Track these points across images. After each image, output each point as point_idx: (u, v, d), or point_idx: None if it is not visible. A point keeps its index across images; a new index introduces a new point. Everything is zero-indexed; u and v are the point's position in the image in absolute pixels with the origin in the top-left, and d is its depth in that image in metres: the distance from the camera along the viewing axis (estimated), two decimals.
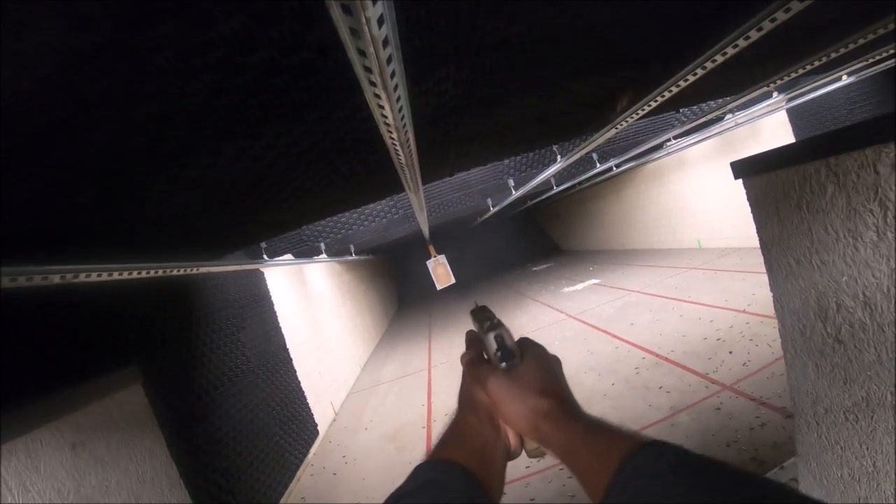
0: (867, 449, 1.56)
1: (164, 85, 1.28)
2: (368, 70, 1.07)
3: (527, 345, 0.74)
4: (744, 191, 1.95)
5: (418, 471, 0.60)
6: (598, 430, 0.59)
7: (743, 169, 1.82)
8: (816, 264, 1.58)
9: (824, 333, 1.62)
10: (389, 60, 1.05)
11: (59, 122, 1.28)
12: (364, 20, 0.85)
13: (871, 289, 1.40)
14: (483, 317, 0.78)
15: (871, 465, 1.55)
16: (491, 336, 0.72)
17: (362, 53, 0.98)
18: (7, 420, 1.89)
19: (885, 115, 1.25)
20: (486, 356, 0.75)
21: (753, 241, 1.90)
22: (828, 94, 5.90)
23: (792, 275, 1.72)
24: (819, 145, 1.45)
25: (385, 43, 0.97)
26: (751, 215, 1.95)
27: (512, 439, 0.70)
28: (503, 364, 0.70)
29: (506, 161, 6.76)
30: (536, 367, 0.70)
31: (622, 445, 0.52)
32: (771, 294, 1.96)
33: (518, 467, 0.76)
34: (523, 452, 0.71)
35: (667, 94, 2.56)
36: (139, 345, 3.50)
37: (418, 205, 4.17)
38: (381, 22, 0.88)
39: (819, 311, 1.62)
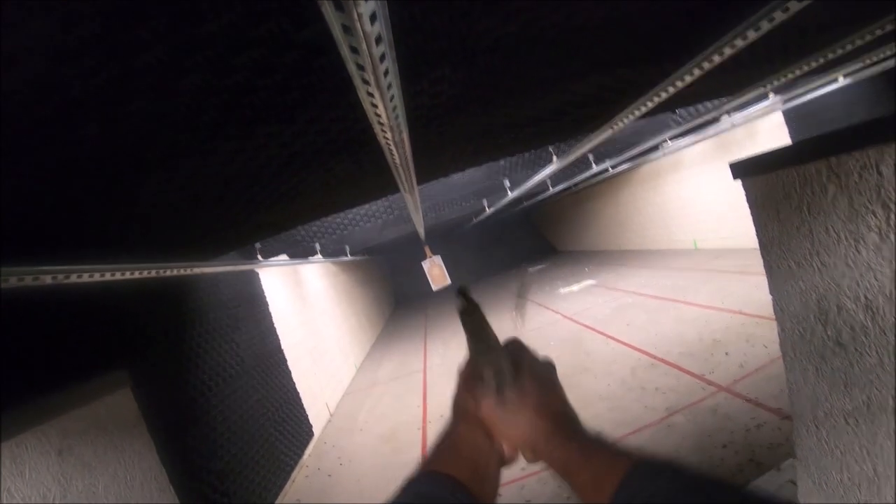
0: (868, 453, 1.54)
1: (153, 84, 1.25)
2: (361, 68, 1.05)
3: (520, 358, 0.73)
4: (741, 192, 1.93)
5: (409, 485, 0.60)
6: (595, 448, 0.61)
7: (742, 169, 1.79)
8: (817, 266, 1.56)
9: (825, 336, 1.60)
10: (382, 58, 1.03)
11: (45, 121, 1.24)
12: (356, 16, 0.83)
13: (873, 291, 1.38)
14: (475, 327, 0.75)
15: (872, 469, 1.54)
16: (486, 359, 0.72)
17: (355, 51, 0.97)
18: None
19: (888, 116, 1.24)
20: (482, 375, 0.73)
21: (749, 241, 1.88)
22: (824, 95, 5.89)
23: (792, 277, 1.70)
24: (820, 145, 1.43)
25: (378, 40, 0.95)
26: (747, 216, 1.92)
27: (507, 447, 0.70)
28: (498, 385, 0.69)
29: (501, 162, 6.72)
30: (533, 384, 0.69)
31: (619, 465, 0.54)
32: (769, 296, 1.94)
33: (513, 469, 0.76)
34: (520, 456, 0.71)
35: (663, 95, 2.54)
36: (129, 348, 3.45)
37: (413, 205, 4.15)
38: (373, 19, 0.87)
39: (819, 313, 1.60)
